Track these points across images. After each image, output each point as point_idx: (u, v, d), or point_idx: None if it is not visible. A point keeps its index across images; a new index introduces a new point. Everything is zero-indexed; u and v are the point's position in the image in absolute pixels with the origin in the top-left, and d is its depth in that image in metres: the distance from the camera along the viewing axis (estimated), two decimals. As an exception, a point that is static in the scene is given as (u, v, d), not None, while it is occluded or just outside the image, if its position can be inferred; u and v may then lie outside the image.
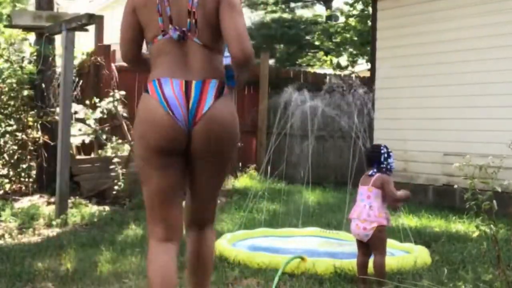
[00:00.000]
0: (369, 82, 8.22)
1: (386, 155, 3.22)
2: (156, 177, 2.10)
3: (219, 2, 2.09)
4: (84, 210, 5.55)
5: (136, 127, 2.14)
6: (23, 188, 6.61)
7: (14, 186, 6.65)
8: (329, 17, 16.74)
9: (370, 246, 3.16)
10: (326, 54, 15.40)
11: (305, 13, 18.22)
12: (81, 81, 8.02)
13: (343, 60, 15.16)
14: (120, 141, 7.09)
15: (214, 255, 2.40)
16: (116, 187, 6.14)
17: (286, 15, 16.98)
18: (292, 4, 17.80)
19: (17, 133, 6.58)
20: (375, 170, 3.19)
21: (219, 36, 2.13)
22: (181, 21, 2.10)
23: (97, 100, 7.14)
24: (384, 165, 3.19)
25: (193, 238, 2.27)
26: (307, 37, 16.17)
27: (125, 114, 7.15)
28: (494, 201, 2.46)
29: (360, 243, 3.20)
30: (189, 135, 2.08)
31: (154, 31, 2.13)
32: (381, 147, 3.26)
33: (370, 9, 10.82)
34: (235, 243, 4.19)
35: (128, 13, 2.19)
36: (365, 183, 3.19)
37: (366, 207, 3.13)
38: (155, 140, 2.06)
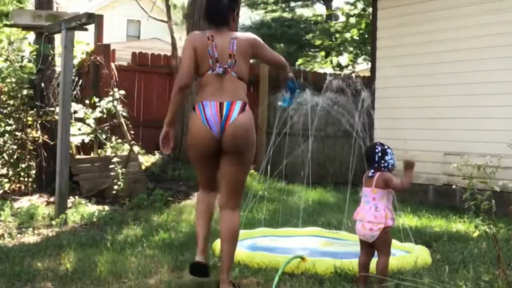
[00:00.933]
0: (369, 81, 8.22)
1: (380, 153, 3.15)
2: (202, 171, 3.24)
3: (253, 48, 3.17)
4: (84, 210, 5.54)
5: (188, 137, 3.20)
6: (23, 187, 6.60)
7: (13, 186, 6.64)
8: (329, 16, 16.73)
9: (375, 247, 3.14)
10: (327, 53, 15.38)
11: (305, 12, 18.21)
12: (80, 81, 8.02)
13: (344, 59, 15.15)
14: (119, 140, 7.08)
15: (239, 230, 3.22)
16: (115, 187, 6.13)
17: (286, 14, 16.98)
18: (292, 4, 17.79)
19: (17, 133, 6.57)
20: (372, 170, 3.17)
21: (247, 69, 3.18)
22: (224, 61, 3.09)
23: (96, 99, 7.13)
24: (382, 164, 3.15)
25: (224, 217, 3.17)
26: (307, 37, 16.16)
27: (124, 114, 7.15)
28: (493, 201, 2.45)
29: (364, 243, 3.17)
30: (220, 139, 3.06)
31: (205, 68, 3.10)
32: (376, 146, 3.21)
33: (370, 8, 10.80)
34: (235, 243, 4.17)
35: (190, 51, 3.12)
36: (368, 184, 3.15)
37: (372, 209, 3.10)
38: (199, 146, 3.11)
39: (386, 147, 3.21)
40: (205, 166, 3.18)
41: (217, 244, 4.02)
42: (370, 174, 3.17)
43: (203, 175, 3.25)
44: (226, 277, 3.09)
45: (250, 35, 3.25)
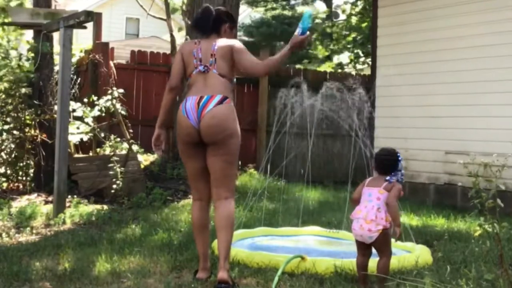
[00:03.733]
0: (370, 80, 8.19)
1: (401, 163, 3.14)
2: (188, 162, 3.39)
3: (232, 51, 3.33)
4: (82, 209, 5.51)
5: (176, 130, 3.44)
6: (21, 186, 6.58)
7: (11, 185, 6.62)
8: (329, 15, 16.70)
9: (376, 248, 3.11)
10: (327, 52, 15.34)
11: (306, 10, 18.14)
12: (79, 79, 7.99)
13: (344, 58, 15.12)
14: (118, 139, 7.05)
15: (233, 217, 3.31)
16: (114, 186, 6.09)
17: (286, 12, 16.92)
18: (293, 1, 17.74)
19: (15, 132, 6.54)
20: (393, 177, 3.10)
21: (229, 68, 3.34)
22: (206, 60, 3.33)
23: (95, 98, 7.10)
24: (400, 173, 3.11)
25: (218, 207, 3.29)
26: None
27: (123, 112, 7.11)
28: (498, 200, 2.43)
29: (360, 243, 3.14)
30: (199, 130, 3.23)
31: (191, 68, 3.36)
32: (398, 153, 3.17)
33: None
34: (234, 242, 4.13)
35: (178, 56, 3.44)
36: (376, 185, 3.11)
37: (374, 208, 3.05)
38: (182, 136, 3.33)
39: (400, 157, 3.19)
40: (191, 159, 3.34)
41: (216, 244, 3.99)
42: (388, 178, 3.09)
43: (190, 171, 3.40)
44: (224, 264, 3.15)
45: (233, 40, 3.42)
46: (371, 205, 3.07)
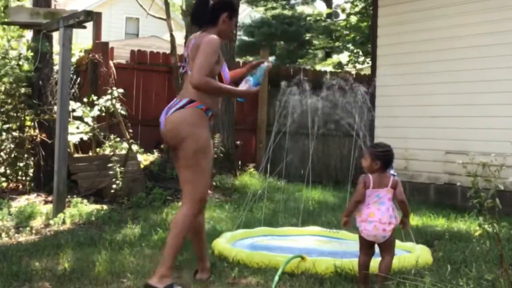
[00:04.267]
0: (370, 79, 8.18)
1: None
2: (175, 165, 3.37)
3: (198, 48, 3.12)
4: (82, 209, 5.50)
5: None
6: (20, 186, 6.57)
7: (11, 185, 6.61)
8: (329, 15, 16.70)
9: (383, 247, 3.11)
10: (327, 53, 15.35)
11: (306, 9, 18.17)
12: (79, 79, 7.98)
13: (344, 58, 15.13)
14: (118, 139, 7.04)
15: (181, 223, 3.13)
16: (114, 186, 6.09)
17: (286, 12, 16.93)
18: (293, 1, 17.76)
19: (14, 132, 6.54)
20: (393, 170, 3.15)
21: None
22: (186, 60, 3.23)
23: (95, 97, 7.09)
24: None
25: None
26: (308, 34, 16.13)
27: (123, 112, 7.11)
28: (497, 200, 2.42)
29: (366, 243, 3.12)
30: None
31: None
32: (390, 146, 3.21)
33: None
34: (234, 242, 4.15)
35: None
36: (381, 184, 3.09)
37: (390, 210, 3.06)
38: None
39: None
40: (175, 162, 3.33)
41: (215, 244, 4.00)
42: (393, 173, 3.13)
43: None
44: (160, 267, 3.07)
45: (207, 38, 3.12)
46: (385, 208, 3.06)
